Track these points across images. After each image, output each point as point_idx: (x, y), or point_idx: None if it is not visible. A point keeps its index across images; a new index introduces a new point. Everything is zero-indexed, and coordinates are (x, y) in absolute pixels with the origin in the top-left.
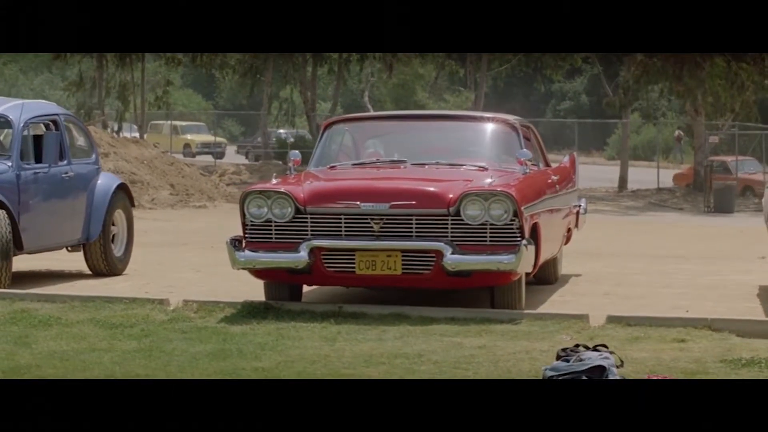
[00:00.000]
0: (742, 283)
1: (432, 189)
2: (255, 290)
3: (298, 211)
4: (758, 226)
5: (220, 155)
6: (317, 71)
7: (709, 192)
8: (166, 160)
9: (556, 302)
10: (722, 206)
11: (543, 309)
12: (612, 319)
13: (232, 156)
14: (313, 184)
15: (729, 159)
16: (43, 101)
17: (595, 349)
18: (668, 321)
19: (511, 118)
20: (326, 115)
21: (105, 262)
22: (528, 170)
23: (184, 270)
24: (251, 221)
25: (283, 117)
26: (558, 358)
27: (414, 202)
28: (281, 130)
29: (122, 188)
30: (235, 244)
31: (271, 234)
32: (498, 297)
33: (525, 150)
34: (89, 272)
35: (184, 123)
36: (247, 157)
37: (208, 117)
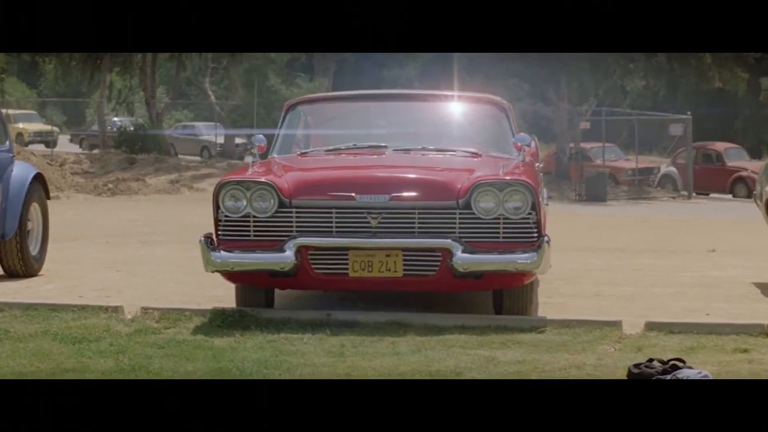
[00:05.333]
0: (732, 281)
1: (438, 178)
2: (201, 291)
3: (281, 204)
4: (652, 215)
5: (53, 144)
6: (157, 57)
7: (580, 180)
8: None
9: (552, 305)
10: (594, 195)
11: (550, 314)
12: (651, 326)
13: (66, 145)
14: (298, 174)
15: (588, 146)
16: None
17: (673, 365)
18: (718, 328)
19: (497, 98)
20: (166, 102)
21: (21, 262)
22: (524, 157)
23: (102, 269)
24: (226, 216)
25: (121, 105)
26: (631, 375)
27: (417, 194)
28: (116, 118)
29: (38, 179)
30: (209, 242)
31: (249, 231)
32: (508, 301)
33: (523, 134)
34: (1, 273)
35: (16, 111)
36: (81, 146)
37: (32, 105)
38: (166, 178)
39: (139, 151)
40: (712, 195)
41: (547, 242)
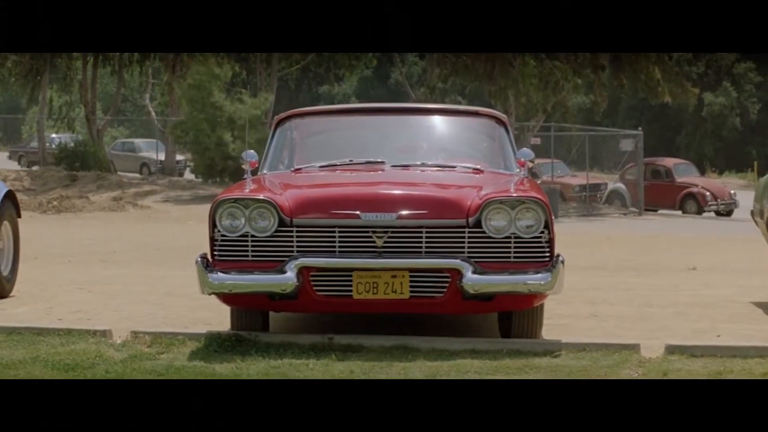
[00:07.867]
0: (729, 300)
1: (447, 196)
2: (184, 313)
3: (281, 222)
4: (611, 232)
5: None
6: (98, 73)
7: None
8: None
9: (552, 327)
10: None
11: (552, 337)
12: (672, 350)
13: (4, 161)
14: (299, 191)
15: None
16: None
17: None
18: (741, 350)
19: (496, 111)
20: (106, 119)
21: None
22: (526, 173)
23: (73, 290)
24: (223, 236)
25: (62, 123)
26: None
27: (425, 212)
28: (54, 135)
29: (9, 197)
30: (206, 263)
31: (247, 251)
32: (517, 323)
33: (527, 149)
34: None
35: None
36: (19, 163)
37: None
38: (109, 196)
39: (79, 168)
40: (661, 211)
41: (562, 262)
